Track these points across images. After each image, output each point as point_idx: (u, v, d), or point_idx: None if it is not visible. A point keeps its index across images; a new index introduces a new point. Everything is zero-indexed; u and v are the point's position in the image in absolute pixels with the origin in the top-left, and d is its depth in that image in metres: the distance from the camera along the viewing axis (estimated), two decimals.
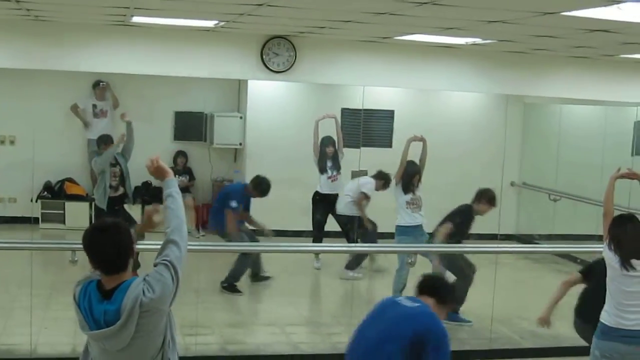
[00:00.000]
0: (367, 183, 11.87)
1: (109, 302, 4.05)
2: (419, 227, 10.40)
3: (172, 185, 4.54)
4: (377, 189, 11.78)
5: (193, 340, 8.54)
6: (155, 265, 4.20)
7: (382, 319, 5.38)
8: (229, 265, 10.84)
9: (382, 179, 11.69)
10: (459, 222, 9.84)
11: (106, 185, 11.06)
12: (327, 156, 12.25)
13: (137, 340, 4.07)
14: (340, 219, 12.16)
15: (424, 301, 5.38)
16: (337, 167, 12.26)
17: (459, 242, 9.83)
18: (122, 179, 11.32)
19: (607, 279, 6.31)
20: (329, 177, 12.22)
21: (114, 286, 4.08)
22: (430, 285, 5.56)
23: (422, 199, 10.53)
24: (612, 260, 6.23)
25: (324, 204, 12.23)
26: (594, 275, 7.04)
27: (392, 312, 5.35)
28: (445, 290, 5.60)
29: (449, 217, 9.91)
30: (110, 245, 4.11)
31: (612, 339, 6.17)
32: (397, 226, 10.42)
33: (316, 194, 12.27)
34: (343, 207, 12.04)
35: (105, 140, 11.42)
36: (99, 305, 4.07)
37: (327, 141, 12.27)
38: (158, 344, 4.18)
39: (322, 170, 12.24)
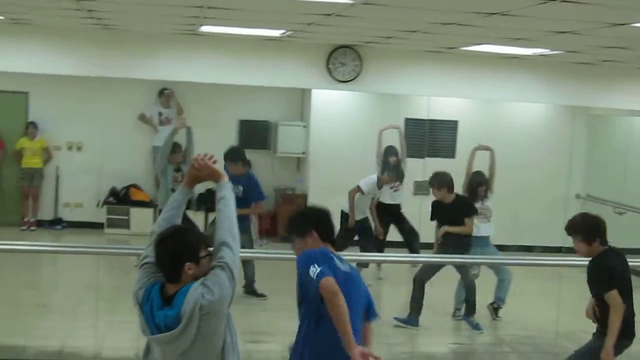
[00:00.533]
0: (368, 179, 11.82)
1: (170, 307, 4.09)
2: (482, 239, 10.20)
3: (226, 188, 4.49)
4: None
5: (255, 348, 8.56)
6: (211, 269, 4.21)
7: None
8: (293, 272, 10.87)
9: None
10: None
11: (168, 190, 11.10)
12: (389, 166, 12.19)
13: (197, 344, 4.09)
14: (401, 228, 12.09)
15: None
16: (399, 177, 12.20)
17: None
18: None
19: None
20: (391, 187, 12.14)
21: (174, 292, 4.13)
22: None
23: (491, 210, 10.33)
24: None
25: (386, 214, 12.15)
26: None
27: None
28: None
29: None
30: (166, 255, 4.15)
31: None
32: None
33: (378, 204, 12.19)
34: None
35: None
36: (159, 311, 4.11)
37: (390, 151, 12.21)
38: (218, 346, 4.20)
39: None
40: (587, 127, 14.85)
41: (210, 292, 4.05)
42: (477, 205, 10.18)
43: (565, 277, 10.53)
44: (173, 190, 11.00)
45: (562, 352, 9.38)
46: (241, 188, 10.29)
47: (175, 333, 4.05)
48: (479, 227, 10.18)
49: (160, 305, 4.11)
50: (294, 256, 10.04)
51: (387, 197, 12.09)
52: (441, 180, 9.65)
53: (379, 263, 11.66)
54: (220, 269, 4.17)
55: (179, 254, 4.13)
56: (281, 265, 11.56)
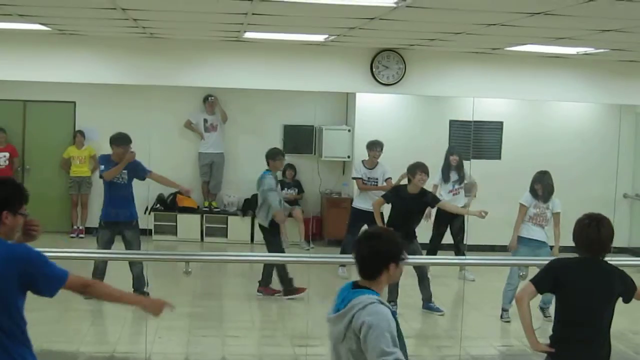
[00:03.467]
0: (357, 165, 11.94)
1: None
2: (536, 242, 10.05)
3: None
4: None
5: (304, 352, 8.59)
6: None
7: None
8: (337, 276, 10.94)
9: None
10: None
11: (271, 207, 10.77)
12: (450, 166, 12.01)
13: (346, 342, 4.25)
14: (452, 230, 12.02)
15: None
16: (460, 179, 12.01)
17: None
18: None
19: None
20: (451, 191, 11.98)
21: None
22: None
23: (550, 215, 10.11)
24: None
25: (444, 217, 11.87)
26: None
27: None
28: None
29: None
30: (362, 253, 4.34)
31: None
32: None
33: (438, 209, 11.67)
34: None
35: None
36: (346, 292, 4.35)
37: (452, 150, 12.07)
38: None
39: (446, 180, 12.02)
40: (635, 126, 14.71)
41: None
42: (536, 209, 10.02)
43: None
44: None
45: (612, 353, 9.31)
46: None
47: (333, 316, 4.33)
48: (534, 230, 10.05)
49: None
50: (340, 260, 10.02)
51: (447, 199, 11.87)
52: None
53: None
54: None
55: (374, 253, 4.33)
56: (327, 269, 11.63)
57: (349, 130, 14.29)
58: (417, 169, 10.04)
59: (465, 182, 12.02)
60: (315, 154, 14.58)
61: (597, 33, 7.63)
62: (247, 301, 10.74)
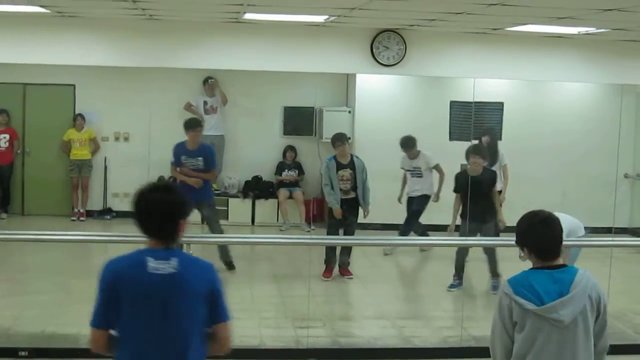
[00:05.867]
0: None
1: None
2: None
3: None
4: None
5: (305, 333, 8.60)
6: None
7: None
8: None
9: None
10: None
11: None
12: (482, 144, 11.82)
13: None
14: None
15: None
16: (492, 161, 11.70)
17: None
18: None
19: None
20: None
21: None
22: None
23: None
24: None
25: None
26: None
27: None
28: None
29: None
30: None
31: None
32: None
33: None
34: None
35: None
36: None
37: (484, 132, 12.13)
38: None
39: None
40: (635, 106, 14.68)
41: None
42: None
43: (615, 258, 10.43)
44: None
45: (613, 332, 9.31)
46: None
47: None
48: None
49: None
50: (340, 241, 9.97)
51: None
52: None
53: None
54: None
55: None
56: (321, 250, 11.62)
57: (350, 112, 14.25)
58: (469, 153, 10.26)
59: (503, 164, 11.94)
60: (315, 135, 14.55)
61: (598, 12, 7.60)
62: (247, 282, 10.76)
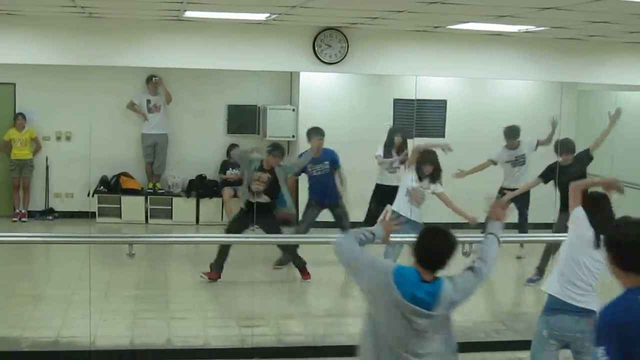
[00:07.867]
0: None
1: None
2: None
3: (498, 228, 5.20)
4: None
5: (249, 332, 8.59)
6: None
7: None
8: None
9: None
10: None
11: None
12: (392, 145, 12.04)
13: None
14: None
15: None
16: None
17: None
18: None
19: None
20: (386, 169, 12.00)
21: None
22: None
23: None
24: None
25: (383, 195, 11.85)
26: None
27: None
28: None
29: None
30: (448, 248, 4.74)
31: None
32: None
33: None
34: None
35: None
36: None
37: (396, 130, 12.14)
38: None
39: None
40: (576, 103, 14.87)
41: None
42: None
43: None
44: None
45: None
46: None
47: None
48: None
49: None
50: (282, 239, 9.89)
51: (385, 178, 11.97)
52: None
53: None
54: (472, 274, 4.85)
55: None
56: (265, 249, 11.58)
57: (294, 110, 14.25)
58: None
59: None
60: (259, 133, 14.52)
61: (537, 11, 7.68)
62: (192, 283, 10.70)
